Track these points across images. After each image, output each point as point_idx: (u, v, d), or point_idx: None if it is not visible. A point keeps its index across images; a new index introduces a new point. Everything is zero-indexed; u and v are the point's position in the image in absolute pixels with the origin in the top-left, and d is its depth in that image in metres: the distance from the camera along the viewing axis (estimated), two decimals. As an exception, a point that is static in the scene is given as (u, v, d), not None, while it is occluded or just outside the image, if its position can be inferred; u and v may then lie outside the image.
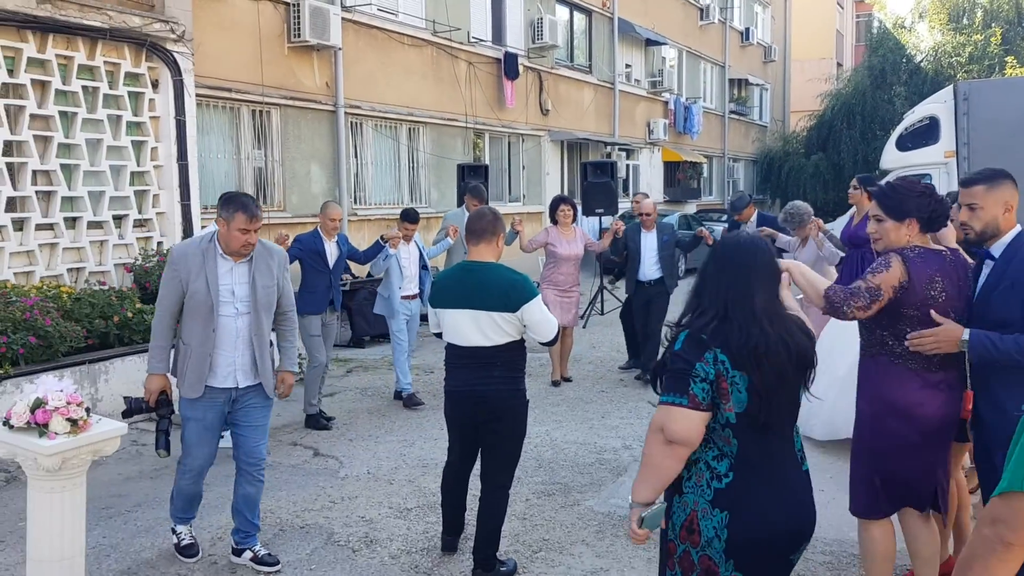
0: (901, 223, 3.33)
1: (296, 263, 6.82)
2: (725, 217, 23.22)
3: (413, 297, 7.68)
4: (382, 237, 7.32)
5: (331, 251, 7.04)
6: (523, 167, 17.41)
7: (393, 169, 13.93)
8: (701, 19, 25.76)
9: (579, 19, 19.54)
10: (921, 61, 29.33)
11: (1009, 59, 25.18)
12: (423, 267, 7.77)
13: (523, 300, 4.01)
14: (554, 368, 8.51)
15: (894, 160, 13.88)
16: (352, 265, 9.06)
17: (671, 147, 23.49)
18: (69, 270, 7.99)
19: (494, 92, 16.07)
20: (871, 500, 3.40)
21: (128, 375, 6.93)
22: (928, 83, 28.61)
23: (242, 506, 4.42)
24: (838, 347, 5.52)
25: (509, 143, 16.97)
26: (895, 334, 3.30)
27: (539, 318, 4.05)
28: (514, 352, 4.15)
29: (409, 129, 14.10)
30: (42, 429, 3.35)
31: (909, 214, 3.31)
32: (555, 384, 8.41)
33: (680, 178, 24.75)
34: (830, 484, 5.14)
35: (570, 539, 4.71)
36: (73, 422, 3.40)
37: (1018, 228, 3.27)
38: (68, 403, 3.41)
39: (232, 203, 4.13)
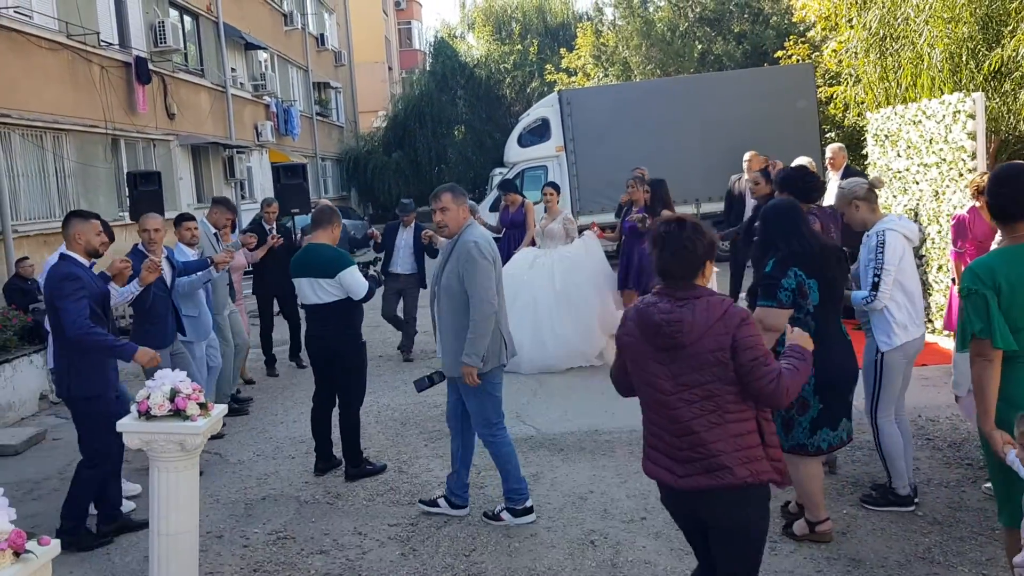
0: None
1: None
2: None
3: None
4: (210, 259, 6.69)
5: (164, 270, 5.88)
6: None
7: (42, 180, 12.97)
8: (286, 24, 26.57)
9: (188, 22, 19.34)
10: (475, 67, 33.39)
11: (547, 66, 29.92)
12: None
13: (339, 269, 5.46)
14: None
15: (516, 154, 16.46)
16: None
17: (276, 148, 24.09)
18: None
19: (126, 97, 15.53)
20: None
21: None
22: (483, 86, 32.86)
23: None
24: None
25: (142, 148, 16.46)
26: None
27: (350, 281, 5.48)
28: (343, 308, 5.55)
29: (54, 137, 13.21)
30: (183, 414, 3.75)
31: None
32: (248, 382, 8.49)
33: (287, 178, 25.41)
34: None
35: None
36: (202, 405, 3.84)
37: None
38: (193, 389, 3.84)
39: None
